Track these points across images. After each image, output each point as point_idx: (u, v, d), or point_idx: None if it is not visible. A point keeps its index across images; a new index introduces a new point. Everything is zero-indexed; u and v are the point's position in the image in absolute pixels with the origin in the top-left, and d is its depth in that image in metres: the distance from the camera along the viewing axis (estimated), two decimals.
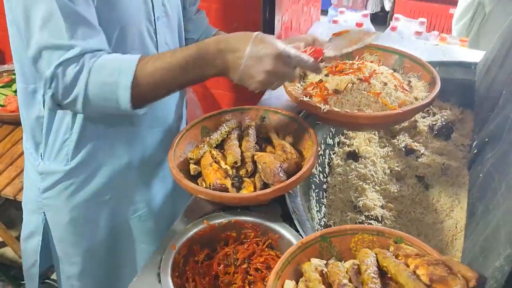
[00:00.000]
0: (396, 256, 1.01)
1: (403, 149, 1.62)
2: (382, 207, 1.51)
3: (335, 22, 3.26)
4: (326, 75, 1.39)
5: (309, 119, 1.56)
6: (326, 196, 1.57)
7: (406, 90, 1.37)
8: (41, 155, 1.37)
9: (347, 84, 1.32)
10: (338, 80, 1.35)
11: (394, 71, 1.48)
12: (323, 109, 1.27)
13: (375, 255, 1.02)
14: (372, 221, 1.47)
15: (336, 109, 1.28)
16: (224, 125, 1.39)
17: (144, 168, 1.47)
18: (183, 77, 1.14)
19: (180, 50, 1.14)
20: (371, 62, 1.47)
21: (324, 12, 4.92)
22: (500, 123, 1.17)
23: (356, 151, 1.63)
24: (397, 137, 1.67)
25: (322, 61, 1.21)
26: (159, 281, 1.12)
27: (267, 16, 1.81)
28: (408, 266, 0.97)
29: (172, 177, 1.30)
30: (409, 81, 1.44)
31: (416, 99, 1.35)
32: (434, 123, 1.66)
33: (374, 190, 1.55)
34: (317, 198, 1.52)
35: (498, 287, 0.90)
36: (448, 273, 0.93)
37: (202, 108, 2.32)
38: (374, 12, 5.34)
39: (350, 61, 1.46)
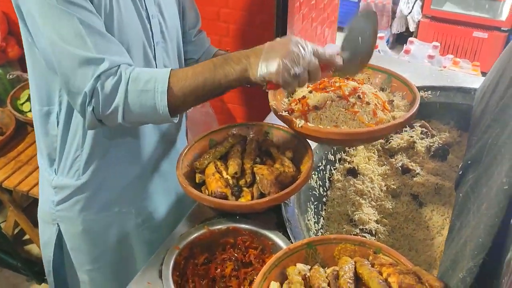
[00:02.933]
0: (373, 265, 1.11)
1: (400, 168, 1.71)
2: (376, 221, 1.60)
3: None
4: (310, 92, 1.45)
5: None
6: (325, 209, 1.66)
7: (387, 110, 1.41)
8: (55, 171, 1.48)
9: (326, 101, 1.39)
10: (320, 97, 1.41)
11: (382, 90, 1.54)
12: (298, 124, 1.33)
13: (354, 263, 1.11)
14: (366, 234, 1.55)
15: (310, 125, 1.34)
16: (229, 138, 1.51)
17: (149, 180, 1.57)
18: (211, 82, 1.20)
19: (208, 59, 1.25)
20: (358, 80, 1.51)
21: None
22: (481, 147, 1.25)
23: (356, 168, 1.73)
24: (395, 157, 1.76)
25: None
26: (160, 276, 1.24)
27: (280, 36, 1.92)
28: (381, 274, 1.07)
29: (175, 188, 1.41)
30: (392, 101, 1.48)
31: (394, 118, 1.40)
32: (431, 144, 1.74)
33: (370, 205, 1.64)
34: (315, 210, 1.61)
35: None
36: (417, 281, 1.02)
37: (218, 121, 2.45)
38: (399, 32, 5.40)
39: (336, 78, 1.50)
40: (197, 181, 1.42)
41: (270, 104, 1.42)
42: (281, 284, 1.12)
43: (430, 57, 2.94)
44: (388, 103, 1.45)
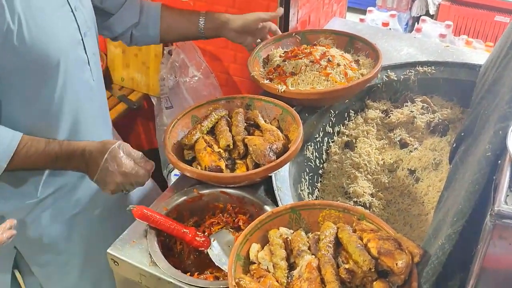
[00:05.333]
0: (355, 231, 1.10)
1: (398, 143, 1.69)
2: (372, 195, 1.59)
3: (362, 20, 3.31)
4: (284, 61, 1.62)
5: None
6: (320, 181, 1.66)
7: (354, 68, 1.61)
8: None
9: (301, 67, 1.56)
10: (294, 64, 1.59)
11: (347, 52, 1.72)
12: (281, 90, 1.50)
13: (336, 228, 1.11)
14: (360, 208, 1.54)
15: (291, 89, 1.52)
16: (214, 113, 1.48)
17: None
18: (50, 167, 1.36)
19: (53, 144, 1.31)
20: (326, 45, 1.72)
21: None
22: (473, 119, 1.23)
23: (354, 141, 1.71)
24: (394, 131, 1.73)
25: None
26: (146, 235, 1.25)
27: (283, 6, 1.91)
28: (362, 239, 1.07)
29: None
30: (358, 60, 1.66)
31: (362, 75, 1.58)
32: (431, 120, 1.71)
33: (366, 178, 1.62)
34: (310, 181, 1.61)
35: (439, 263, 0.98)
36: (396, 247, 1.02)
37: (223, 93, 2.43)
38: (419, 15, 5.30)
39: (304, 46, 1.71)
40: (186, 158, 1.41)
41: (251, 75, 1.58)
42: (263, 248, 1.13)
43: (442, 36, 2.88)
44: (354, 62, 1.64)
